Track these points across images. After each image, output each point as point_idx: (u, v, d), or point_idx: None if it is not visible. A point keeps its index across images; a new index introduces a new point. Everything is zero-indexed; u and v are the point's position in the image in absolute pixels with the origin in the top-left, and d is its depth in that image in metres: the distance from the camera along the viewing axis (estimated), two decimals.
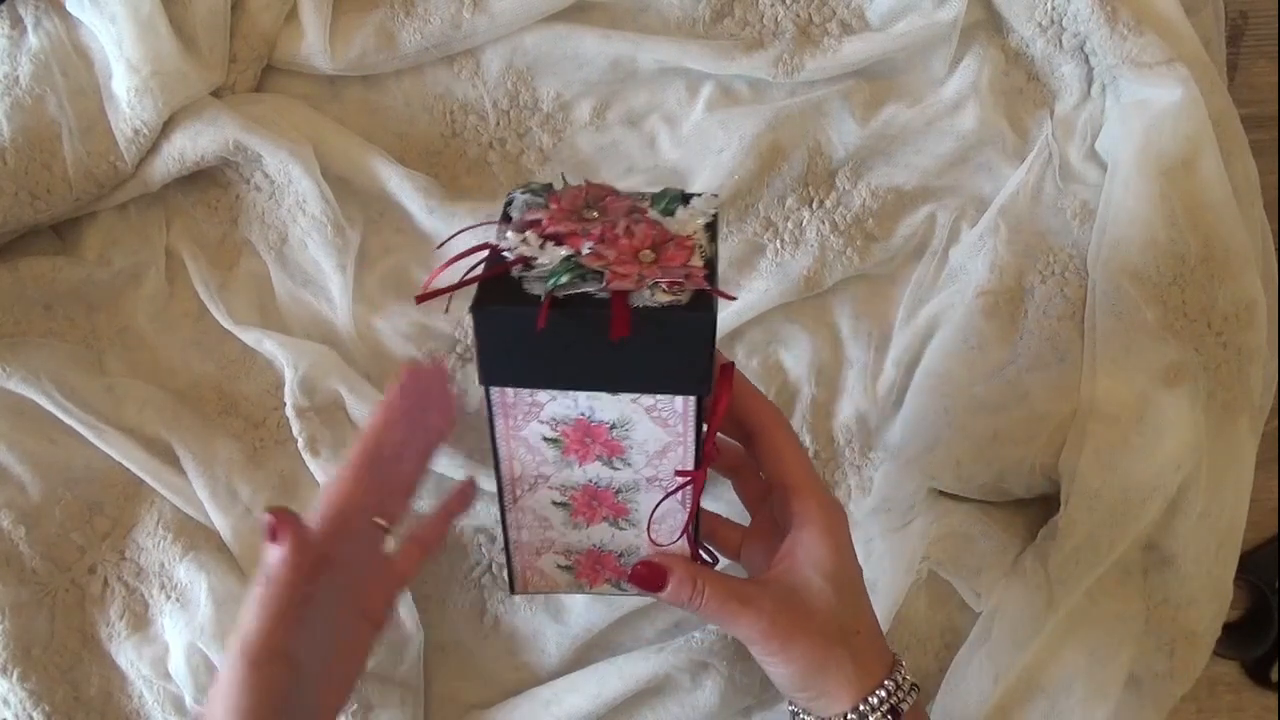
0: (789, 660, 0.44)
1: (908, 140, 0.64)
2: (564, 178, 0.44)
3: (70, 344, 0.59)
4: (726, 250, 0.62)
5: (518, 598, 0.60)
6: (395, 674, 0.57)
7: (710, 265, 0.39)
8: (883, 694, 0.44)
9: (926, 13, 0.62)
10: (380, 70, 0.62)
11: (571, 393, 0.40)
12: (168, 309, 0.61)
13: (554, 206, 0.41)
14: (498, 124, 0.63)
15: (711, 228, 0.41)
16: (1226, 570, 0.61)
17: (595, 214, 0.41)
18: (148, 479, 0.57)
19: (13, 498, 0.56)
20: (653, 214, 0.41)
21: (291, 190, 0.60)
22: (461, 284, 0.39)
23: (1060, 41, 0.63)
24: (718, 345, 0.61)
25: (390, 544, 0.50)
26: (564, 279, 0.37)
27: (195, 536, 0.58)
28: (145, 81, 0.56)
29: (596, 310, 0.37)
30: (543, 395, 0.41)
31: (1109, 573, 0.59)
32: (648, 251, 0.39)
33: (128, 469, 0.57)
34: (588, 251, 0.38)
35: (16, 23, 0.58)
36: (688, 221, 0.41)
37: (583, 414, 0.41)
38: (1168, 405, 0.59)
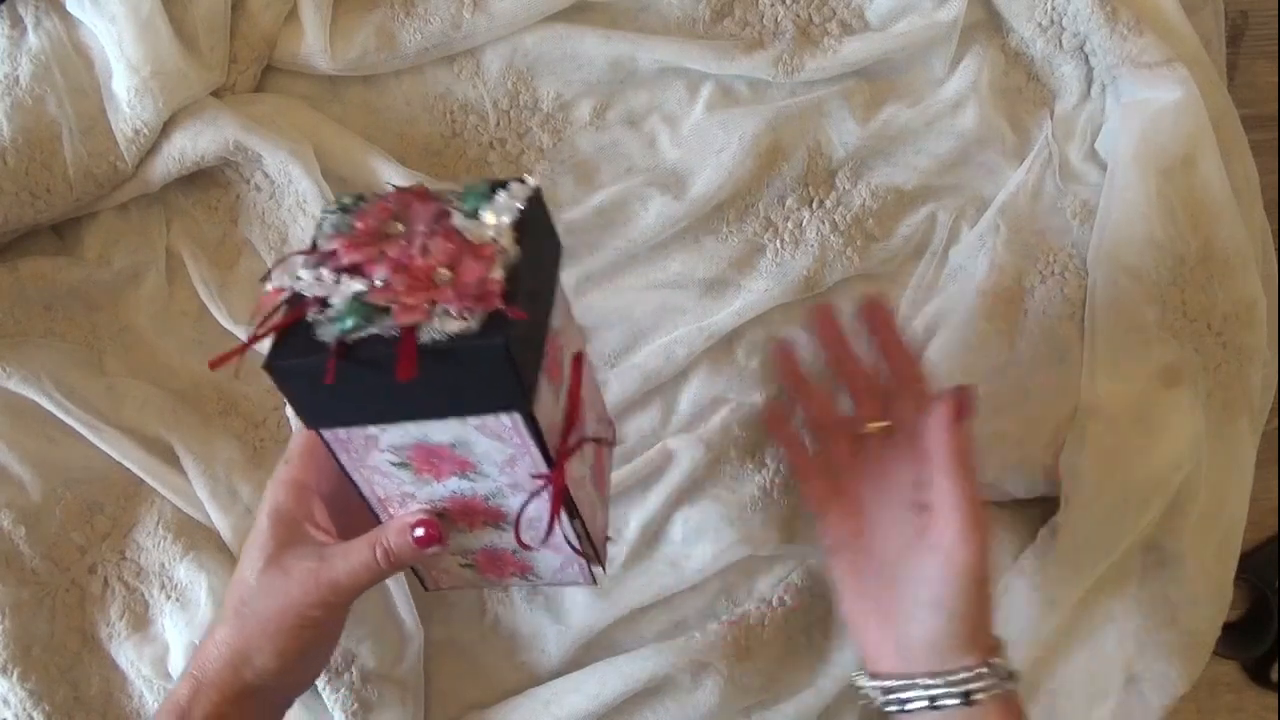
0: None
1: (908, 140, 0.64)
2: (374, 190, 0.42)
3: (70, 344, 0.59)
4: (726, 250, 0.62)
5: (517, 598, 0.60)
6: (395, 674, 0.57)
7: (513, 272, 0.37)
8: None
9: (926, 13, 0.62)
10: (380, 70, 0.62)
11: (396, 424, 0.39)
12: (168, 309, 0.61)
13: (358, 226, 0.39)
14: (498, 124, 0.63)
15: (521, 224, 0.38)
16: (1226, 570, 0.61)
17: (400, 227, 0.39)
18: (148, 479, 0.57)
19: (13, 498, 0.56)
20: (458, 218, 0.38)
21: (291, 190, 0.60)
22: (253, 340, 0.37)
23: (1060, 41, 0.63)
24: (719, 347, 0.62)
25: None
26: (349, 323, 0.36)
27: (195, 536, 0.58)
28: (145, 81, 0.56)
29: (384, 352, 0.35)
30: (372, 429, 0.39)
31: (1109, 573, 0.59)
32: (443, 270, 0.36)
33: (128, 469, 0.57)
34: (379, 284, 0.36)
35: (16, 23, 0.58)
36: (490, 224, 0.38)
37: (418, 439, 0.39)
38: (1168, 405, 0.59)
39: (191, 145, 0.58)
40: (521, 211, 0.39)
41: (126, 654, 0.56)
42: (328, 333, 0.36)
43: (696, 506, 0.59)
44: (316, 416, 0.39)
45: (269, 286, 0.38)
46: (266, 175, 0.60)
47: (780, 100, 0.63)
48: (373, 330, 0.36)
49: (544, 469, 0.40)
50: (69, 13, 0.58)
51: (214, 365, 0.38)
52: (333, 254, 0.38)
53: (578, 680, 0.58)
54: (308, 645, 0.45)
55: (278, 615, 0.44)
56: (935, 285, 0.63)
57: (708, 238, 0.62)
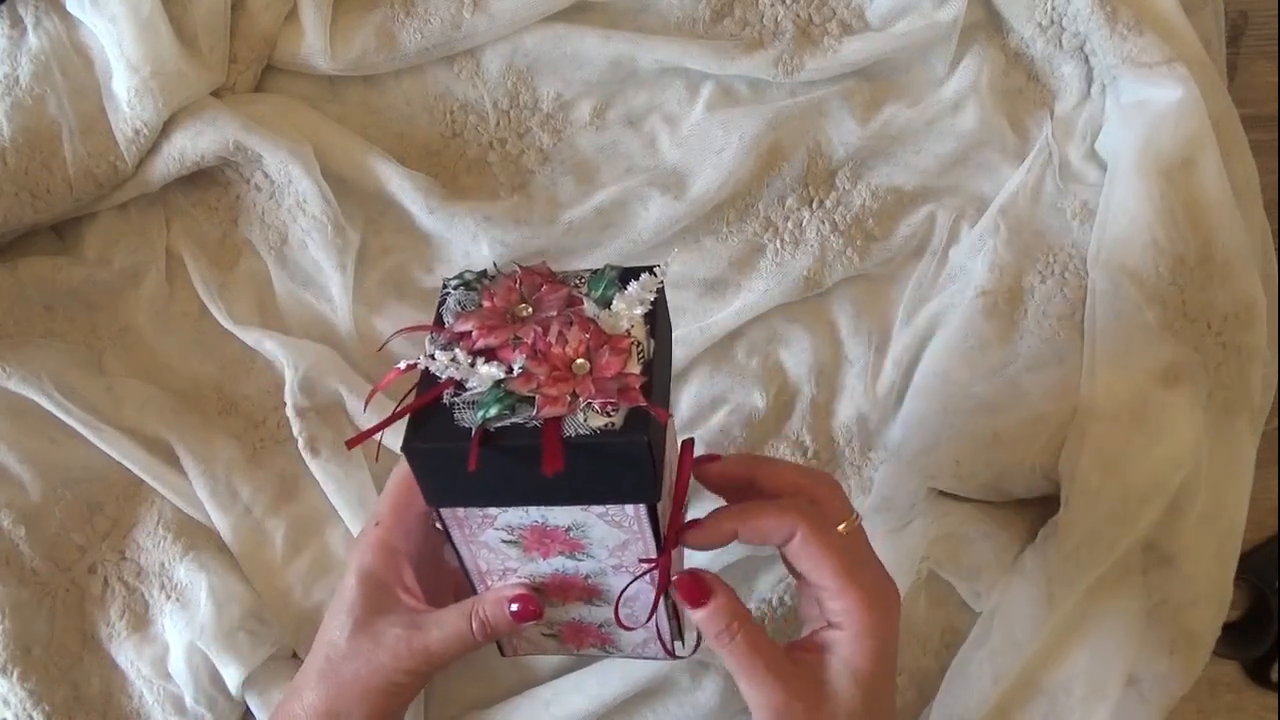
0: None
1: (908, 140, 0.64)
2: (496, 265, 0.42)
3: (70, 344, 0.59)
4: (726, 250, 0.62)
5: None
6: None
7: (649, 368, 0.37)
8: None
9: (926, 13, 0.62)
10: (380, 70, 0.62)
11: (520, 506, 0.39)
12: (168, 309, 0.61)
13: (486, 305, 0.39)
14: (498, 124, 0.63)
15: (651, 316, 0.39)
16: (1226, 570, 0.61)
17: (528, 310, 0.39)
18: (148, 479, 0.57)
19: (13, 498, 0.56)
20: (588, 305, 0.39)
21: (291, 190, 0.60)
22: (390, 420, 0.37)
23: (1060, 41, 0.63)
24: (719, 347, 0.62)
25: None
26: (493, 411, 0.36)
27: (195, 536, 0.58)
28: (145, 81, 0.56)
29: (529, 442, 0.35)
30: (493, 510, 0.39)
31: (1109, 573, 0.59)
32: (581, 361, 0.37)
33: (128, 469, 0.57)
34: (518, 371, 0.37)
35: (16, 23, 0.58)
36: (624, 314, 0.38)
37: (535, 521, 0.40)
38: (1168, 405, 0.59)
39: (191, 145, 0.58)
40: (654, 304, 0.39)
41: (126, 654, 0.56)
42: (469, 418, 0.36)
43: (696, 506, 0.59)
44: (442, 496, 0.39)
45: (402, 364, 0.38)
46: (266, 175, 0.60)
47: (780, 100, 0.63)
48: (514, 420, 0.36)
49: (654, 554, 0.41)
50: (69, 13, 0.58)
51: (351, 445, 0.38)
52: (466, 335, 0.38)
53: (578, 680, 0.58)
54: (393, 712, 0.45)
55: (367, 680, 0.43)
56: (935, 285, 0.63)
57: (708, 238, 0.62)
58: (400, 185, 0.60)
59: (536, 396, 0.36)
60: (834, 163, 0.63)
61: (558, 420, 0.36)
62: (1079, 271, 0.63)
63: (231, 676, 0.55)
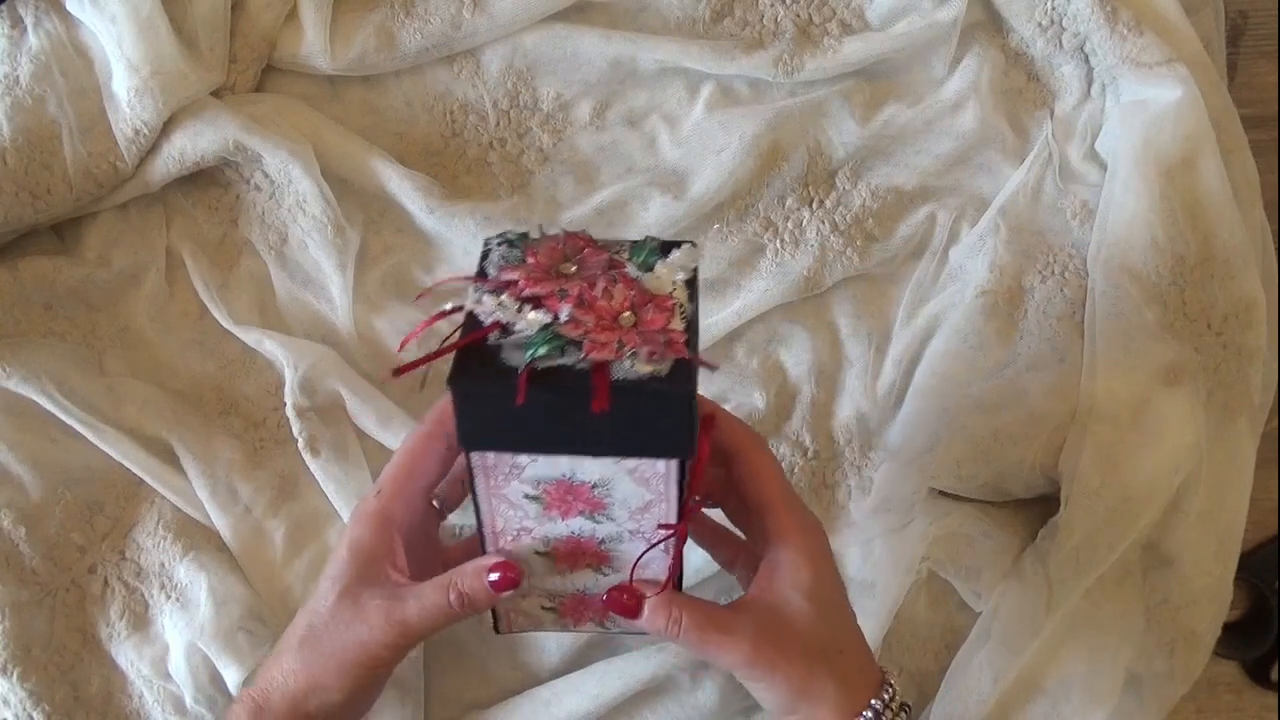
0: (773, 685, 0.43)
1: (908, 140, 0.64)
2: (540, 228, 0.43)
3: (70, 344, 0.59)
4: (726, 250, 0.62)
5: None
6: (395, 674, 0.57)
7: (690, 327, 0.39)
8: (869, 715, 0.43)
9: (926, 13, 0.62)
10: (380, 70, 0.62)
11: (552, 455, 0.40)
12: (168, 309, 0.61)
13: (530, 261, 0.40)
14: (498, 124, 0.63)
15: (691, 283, 0.40)
16: (1226, 570, 0.61)
17: (573, 268, 0.40)
18: (148, 479, 0.57)
19: (13, 498, 0.56)
20: (631, 269, 0.40)
21: (291, 190, 0.60)
22: (438, 354, 0.38)
23: (1060, 41, 0.63)
24: (719, 347, 0.62)
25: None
26: (542, 350, 0.37)
27: (195, 536, 0.58)
28: (145, 81, 0.56)
29: (576, 383, 0.36)
30: (524, 458, 0.40)
31: (1109, 573, 0.59)
32: (627, 314, 0.38)
33: (128, 469, 0.57)
34: (566, 318, 0.38)
35: (16, 23, 0.58)
36: (666, 278, 0.40)
37: (564, 475, 0.40)
38: (1168, 405, 0.59)
39: (191, 145, 0.58)
40: (694, 272, 0.41)
41: (126, 654, 0.56)
42: (516, 358, 0.37)
43: None
44: (478, 438, 0.39)
45: (447, 305, 0.39)
46: (266, 175, 0.60)
47: (780, 100, 0.63)
48: (562, 362, 0.36)
49: (674, 520, 0.42)
50: (69, 13, 0.58)
51: (398, 374, 0.38)
52: (513, 284, 0.39)
53: (578, 680, 0.58)
54: (371, 684, 0.45)
55: (344, 650, 0.43)
56: (935, 285, 0.63)
57: (708, 238, 0.62)
58: (400, 185, 0.60)
59: (585, 341, 0.37)
60: (834, 163, 0.63)
61: (605, 363, 0.36)
62: (1079, 271, 0.63)
63: (231, 677, 0.55)
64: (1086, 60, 0.64)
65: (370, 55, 0.60)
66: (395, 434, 0.58)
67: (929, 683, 0.60)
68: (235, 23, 0.60)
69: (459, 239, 0.61)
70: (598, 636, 0.59)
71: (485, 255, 0.41)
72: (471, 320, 0.39)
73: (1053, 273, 0.63)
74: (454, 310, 0.39)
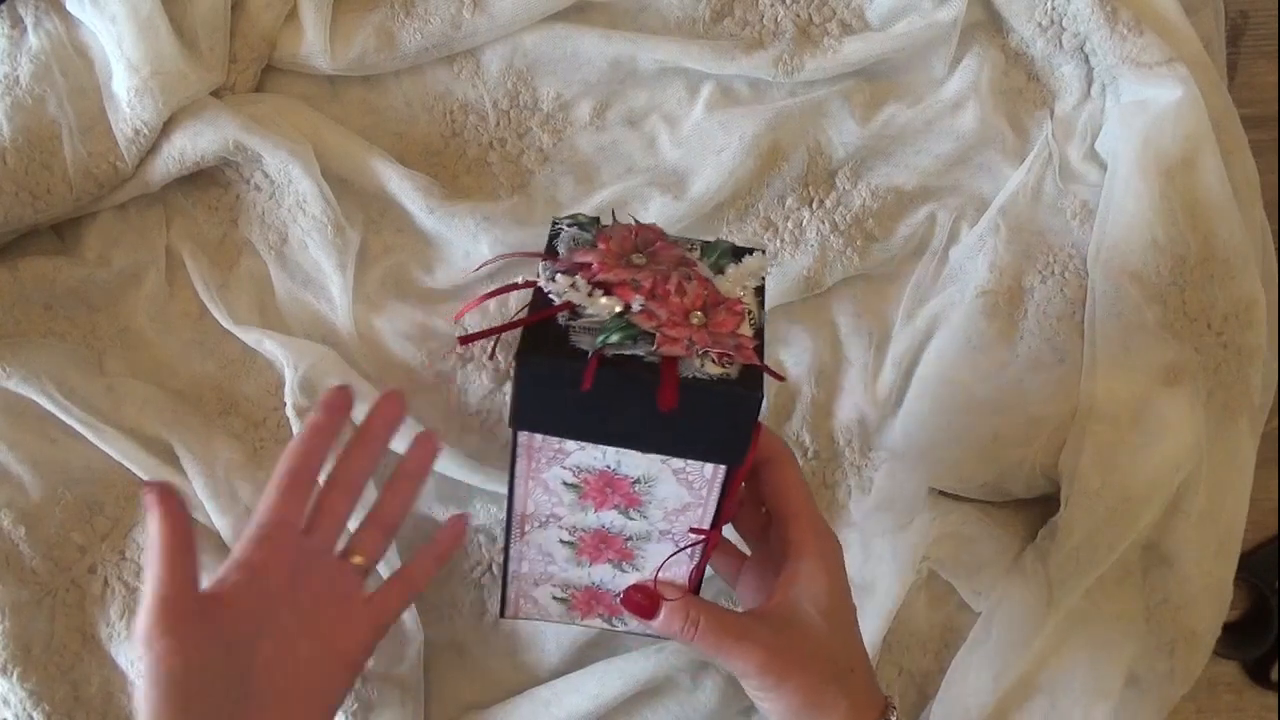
0: (782, 696, 0.43)
1: (908, 140, 0.64)
2: (614, 214, 0.43)
3: (70, 344, 0.59)
4: None
5: None
6: (395, 674, 0.57)
7: (759, 335, 0.38)
8: None
9: (926, 13, 0.62)
10: (380, 70, 0.62)
11: (601, 446, 0.39)
12: (168, 309, 0.61)
13: (602, 247, 0.40)
14: (498, 124, 0.63)
15: (760, 291, 0.40)
16: (1226, 570, 0.61)
17: (643, 260, 0.40)
18: (148, 479, 0.57)
19: (13, 498, 0.56)
20: (702, 268, 0.40)
21: (291, 190, 0.60)
22: (506, 327, 0.38)
23: (1060, 41, 0.63)
24: None
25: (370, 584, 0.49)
26: (614, 338, 0.36)
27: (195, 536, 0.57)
28: (145, 81, 0.56)
29: (646, 375, 0.36)
30: (570, 444, 0.40)
31: (1109, 573, 0.59)
32: (698, 313, 0.38)
33: (128, 469, 0.57)
34: (639, 308, 0.37)
35: (16, 23, 0.58)
36: (738, 282, 0.40)
37: (608, 466, 0.40)
38: (1168, 405, 0.59)
39: (191, 145, 0.58)
40: (763, 280, 0.41)
41: (126, 654, 0.56)
42: (586, 342, 0.37)
43: None
44: (531, 419, 0.39)
45: (520, 279, 0.39)
46: (266, 175, 0.60)
47: (780, 100, 0.63)
48: (634, 352, 0.36)
49: (708, 525, 0.42)
50: (69, 13, 0.58)
51: (464, 342, 0.39)
52: (586, 266, 0.39)
53: (578, 680, 0.58)
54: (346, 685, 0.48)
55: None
56: (935, 285, 0.63)
57: (708, 238, 0.62)
58: (400, 185, 0.60)
59: (657, 334, 0.37)
60: (834, 163, 0.63)
61: (676, 359, 0.36)
62: (1079, 271, 0.63)
63: None
64: (1086, 60, 0.64)
65: (370, 55, 0.60)
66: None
67: (929, 682, 0.60)
68: (235, 23, 0.60)
69: (459, 239, 0.61)
70: (598, 636, 0.59)
71: (555, 235, 0.41)
72: (540, 297, 0.38)
73: (1053, 273, 0.63)
74: (527, 284, 0.39)
